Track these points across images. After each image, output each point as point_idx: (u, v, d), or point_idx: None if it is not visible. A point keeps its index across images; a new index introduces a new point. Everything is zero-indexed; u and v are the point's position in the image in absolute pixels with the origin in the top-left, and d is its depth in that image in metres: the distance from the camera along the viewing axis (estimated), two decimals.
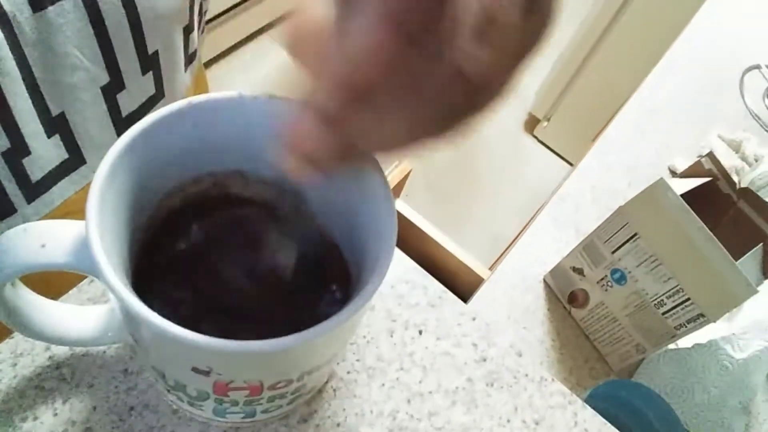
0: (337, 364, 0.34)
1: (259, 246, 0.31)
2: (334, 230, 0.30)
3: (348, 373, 0.34)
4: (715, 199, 0.61)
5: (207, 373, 0.23)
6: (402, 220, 0.86)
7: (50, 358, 0.31)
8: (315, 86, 0.19)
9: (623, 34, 1.38)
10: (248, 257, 0.30)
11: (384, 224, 0.24)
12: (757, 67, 0.94)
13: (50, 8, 0.31)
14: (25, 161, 0.35)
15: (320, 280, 0.30)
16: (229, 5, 1.58)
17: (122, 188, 0.25)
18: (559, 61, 1.56)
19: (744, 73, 0.93)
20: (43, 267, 0.23)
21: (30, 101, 0.33)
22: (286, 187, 0.30)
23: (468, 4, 0.16)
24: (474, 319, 0.37)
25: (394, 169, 0.83)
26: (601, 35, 1.42)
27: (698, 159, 0.63)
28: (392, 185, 0.83)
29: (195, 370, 0.23)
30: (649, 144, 0.81)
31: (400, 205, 0.88)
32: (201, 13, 0.46)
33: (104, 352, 0.32)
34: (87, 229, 0.22)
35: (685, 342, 0.59)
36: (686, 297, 0.53)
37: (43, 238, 0.23)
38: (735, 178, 0.61)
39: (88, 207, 0.22)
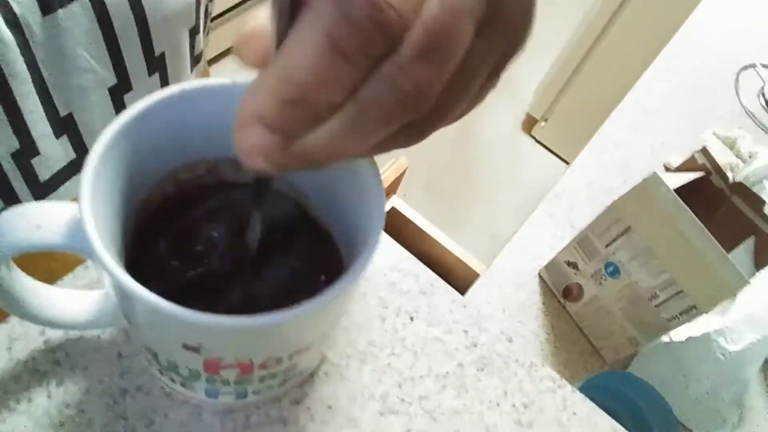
0: (329, 348, 0.34)
1: (252, 232, 0.31)
2: (327, 217, 0.31)
3: (340, 357, 0.34)
4: (708, 194, 0.61)
5: (197, 350, 0.23)
6: (398, 216, 0.86)
7: (45, 342, 0.32)
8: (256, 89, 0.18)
9: (621, 33, 1.39)
10: (241, 243, 0.31)
11: (372, 206, 0.25)
12: (753, 65, 0.95)
13: (60, 11, 0.31)
14: (34, 161, 0.36)
15: (312, 265, 0.30)
16: (230, 5, 1.59)
17: (115, 172, 0.25)
18: (557, 62, 1.57)
19: (739, 72, 0.94)
20: (39, 247, 0.24)
21: (39, 103, 0.34)
22: (279, 174, 0.30)
23: (415, 29, 0.15)
24: (465, 306, 0.37)
25: (389, 167, 0.83)
26: (599, 36, 1.43)
27: (692, 154, 0.63)
28: (388, 183, 0.83)
29: (186, 347, 0.23)
30: (644, 142, 0.82)
31: (397, 203, 0.88)
32: (206, 15, 0.47)
33: (98, 336, 0.32)
34: (80, 208, 0.22)
35: (679, 335, 0.59)
36: (679, 289, 0.53)
37: (39, 219, 0.24)
38: (729, 175, 0.61)
39: (81, 187, 0.23)
